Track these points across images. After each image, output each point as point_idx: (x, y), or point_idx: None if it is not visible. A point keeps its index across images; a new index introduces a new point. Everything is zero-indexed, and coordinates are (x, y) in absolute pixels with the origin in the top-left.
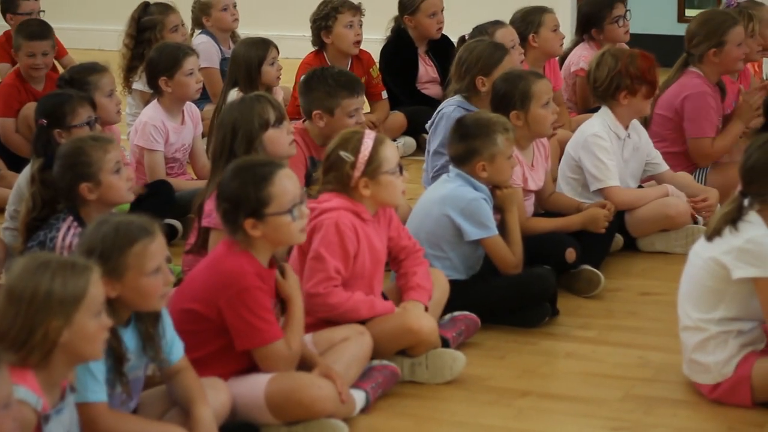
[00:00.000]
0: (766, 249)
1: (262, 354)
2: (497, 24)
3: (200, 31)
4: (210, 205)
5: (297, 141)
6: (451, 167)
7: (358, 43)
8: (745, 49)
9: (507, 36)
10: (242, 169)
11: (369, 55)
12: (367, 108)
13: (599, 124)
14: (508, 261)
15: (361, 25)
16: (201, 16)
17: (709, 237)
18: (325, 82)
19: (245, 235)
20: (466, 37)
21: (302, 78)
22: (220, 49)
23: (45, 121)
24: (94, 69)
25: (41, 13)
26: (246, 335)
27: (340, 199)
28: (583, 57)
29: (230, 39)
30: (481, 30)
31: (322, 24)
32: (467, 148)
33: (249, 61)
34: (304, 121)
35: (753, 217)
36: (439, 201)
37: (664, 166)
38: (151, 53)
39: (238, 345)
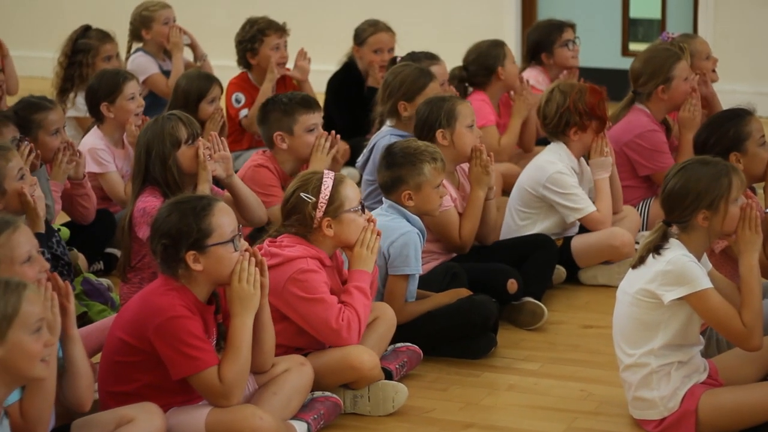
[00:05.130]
0: (687, 266)
1: (195, 383)
2: (432, 59)
3: (136, 49)
4: (137, 216)
5: (271, 170)
6: (383, 198)
7: (283, 64)
8: (692, 84)
9: (439, 73)
10: (179, 204)
11: (291, 81)
12: None
13: (558, 160)
14: (395, 306)
15: (286, 46)
16: (141, 28)
17: (634, 266)
18: (280, 103)
19: (186, 270)
20: (398, 60)
21: (258, 108)
22: (158, 63)
23: None
24: (40, 107)
25: None
26: (177, 364)
27: (302, 246)
28: (533, 76)
29: (165, 55)
30: (414, 58)
31: (247, 46)
32: (393, 176)
33: (188, 95)
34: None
35: (673, 243)
36: None
37: None
38: (91, 80)
39: (173, 374)
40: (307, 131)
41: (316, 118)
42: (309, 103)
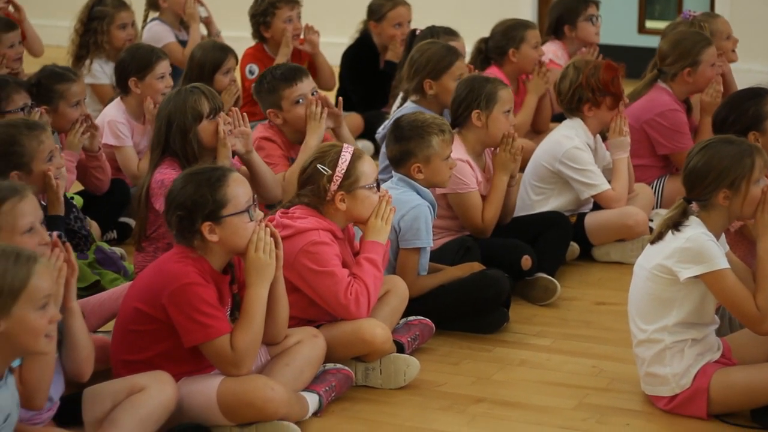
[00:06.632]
0: (706, 245)
1: (206, 351)
2: (451, 34)
3: (152, 18)
4: (155, 188)
5: (276, 142)
6: (393, 172)
7: (297, 35)
8: (718, 69)
9: (458, 48)
10: (194, 175)
11: (308, 54)
12: None
13: (574, 135)
14: (407, 279)
15: (299, 18)
16: None
17: (653, 241)
18: (265, 81)
19: (202, 241)
20: (417, 32)
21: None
22: (174, 32)
23: None
24: (63, 77)
25: None
26: (190, 331)
27: (314, 218)
28: (552, 51)
29: (181, 25)
30: (433, 33)
31: (260, 19)
32: (402, 149)
33: (203, 66)
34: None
35: (693, 220)
36: None
37: None
38: (123, 54)
39: (185, 341)
40: (294, 104)
41: (301, 88)
42: (290, 76)
